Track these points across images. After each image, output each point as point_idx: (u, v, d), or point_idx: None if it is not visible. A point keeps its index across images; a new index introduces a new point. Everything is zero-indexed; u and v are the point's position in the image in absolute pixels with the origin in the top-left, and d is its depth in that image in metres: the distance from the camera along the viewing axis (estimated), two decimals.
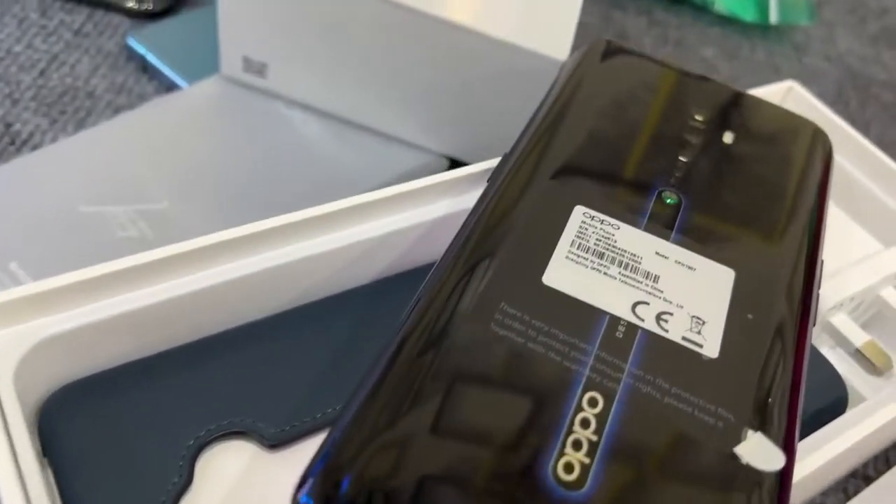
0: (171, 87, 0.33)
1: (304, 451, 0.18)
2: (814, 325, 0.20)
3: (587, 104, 0.24)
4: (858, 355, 0.24)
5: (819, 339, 0.26)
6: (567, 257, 0.19)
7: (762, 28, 0.48)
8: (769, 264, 0.21)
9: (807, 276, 0.21)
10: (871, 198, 0.28)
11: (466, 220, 0.20)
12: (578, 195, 0.21)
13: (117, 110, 0.32)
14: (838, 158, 0.29)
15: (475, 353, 0.17)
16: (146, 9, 0.37)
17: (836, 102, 0.44)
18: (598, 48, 0.26)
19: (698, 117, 0.25)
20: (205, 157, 0.29)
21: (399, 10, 0.28)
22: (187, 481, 0.17)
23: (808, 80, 0.45)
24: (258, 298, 0.20)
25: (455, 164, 0.33)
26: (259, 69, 0.32)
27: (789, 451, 0.17)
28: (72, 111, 0.32)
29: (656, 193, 0.22)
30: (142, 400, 0.18)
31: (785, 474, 0.17)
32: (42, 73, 0.33)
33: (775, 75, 0.45)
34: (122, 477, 0.17)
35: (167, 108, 0.31)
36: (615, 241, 0.20)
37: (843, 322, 0.25)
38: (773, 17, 0.46)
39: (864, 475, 0.28)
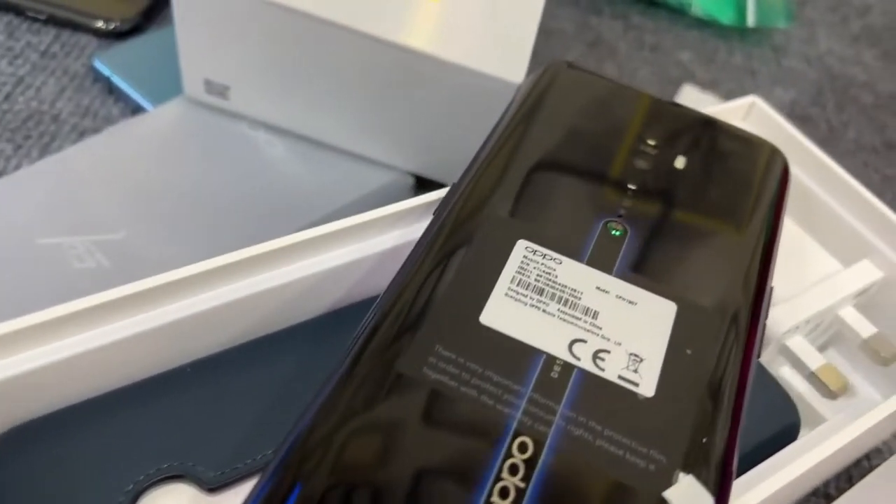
0: (136, 109, 0.33)
1: (244, 494, 0.18)
2: (759, 356, 0.20)
3: (536, 131, 0.24)
4: (814, 378, 0.24)
5: (776, 362, 0.26)
6: (507, 295, 0.19)
7: (740, 31, 0.47)
8: (713, 296, 0.20)
9: (754, 306, 0.21)
10: (832, 216, 0.28)
11: (409, 255, 0.20)
12: (522, 229, 0.21)
13: (82, 134, 0.32)
14: (800, 176, 0.28)
15: (405, 400, 0.17)
16: (114, 28, 0.37)
17: (814, 105, 0.44)
18: (553, 70, 0.26)
19: (651, 142, 0.24)
20: (167, 182, 0.29)
21: (354, 35, 0.27)
22: None
23: (787, 83, 0.45)
24: (201, 338, 0.20)
25: (421, 181, 0.33)
26: (221, 91, 0.32)
27: (724, 490, 0.17)
28: (36, 136, 0.32)
29: (602, 225, 0.22)
30: (83, 444, 0.19)
31: None
32: (7, 96, 0.33)
33: (752, 79, 0.44)
34: None
35: (129, 132, 0.31)
36: (556, 277, 0.20)
37: (800, 344, 0.25)
38: (751, 20, 0.45)
39: (825, 493, 0.28)
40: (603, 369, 0.18)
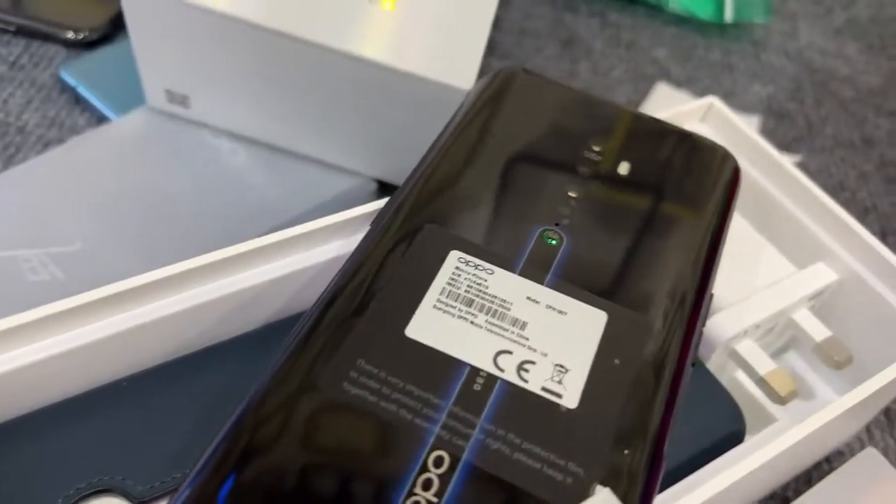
0: (102, 119, 0.34)
1: None
2: (693, 363, 0.20)
3: (477, 139, 0.24)
4: (763, 384, 0.24)
5: (728, 366, 0.25)
6: (435, 306, 0.19)
7: (719, 26, 0.47)
8: (646, 305, 0.20)
9: (691, 313, 0.21)
10: (788, 219, 0.27)
11: (341, 267, 0.21)
12: (455, 239, 0.21)
13: (47, 145, 0.33)
14: (757, 178, 0.28)
15: (324, 416, 0.17)
16: (83, 38, 0.37)
17: (792, 100, 0.43)
18: (501, 77, 0.26)
19: (596, 148, 0.24)
20: (127, 192, 0.30)
21: (306, 45, 0.28)
22: None
23: (765, 78, 0.44)
24: (132, 353, 0.21)
25: (385, 185, 0.33)
26: (181, 100, 0.32)
27: (646, 499, 0.17)
28: (1, 147, 0.32)
29: (538, 234, 0.22)
30: (14, 459, 0.19)
31: None
32: None
33: (729, 75, 0.44)
34: None
35: (91, 143, 0.31)
36: (486, 288, 0.20)
37: (750, 349, 0.25)
38: (729, 15, 0.45)
39: (783, 497, 0.28)
40: (527, 381, 0.18)
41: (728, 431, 0.23)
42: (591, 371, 0.19)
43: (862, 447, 0.29)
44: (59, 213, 0.28)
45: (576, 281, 0.21)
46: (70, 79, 0.34)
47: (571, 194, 0.23)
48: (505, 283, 0.20)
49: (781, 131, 0.41)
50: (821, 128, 0.42)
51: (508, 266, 0.21)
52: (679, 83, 0.43)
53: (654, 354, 0.19)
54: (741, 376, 0.26)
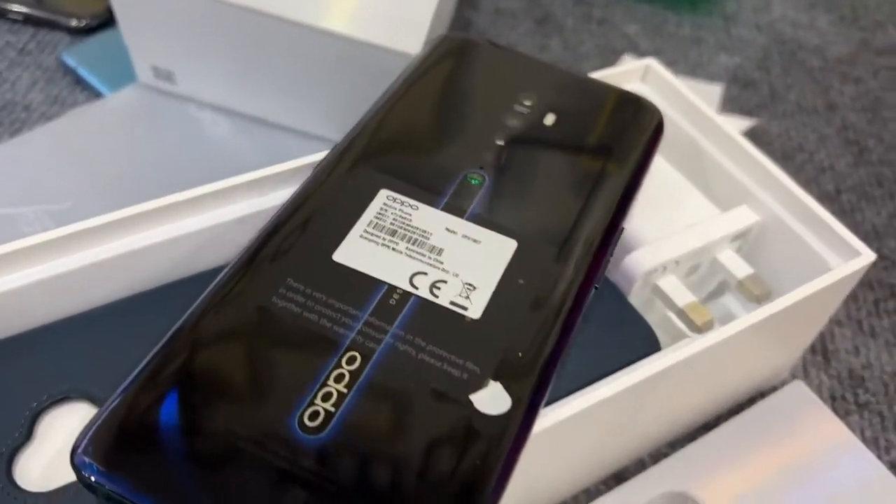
0: (99, 96, 0.37)
1: None
2: (597, 287, 0.23)
3: (415, 94, 0.26)
4: (682, 315, 0.26)
5: (657, 304, 0.27)
6: (361, 236, 0.22)
7: (691, 2, 0.49)
8: (554, 236, 0.23)
9: (600, 245, 0.23)
10: (717, 168, 0.29)
11: (283, 203, 0.23)
12: (386, 180, 0.23)
13: (49, 120, 0.36)
14: (689, 130, 0.30)
15: (253, 321, 0.20)
16: (84, 25, 0.40)
17: (759, 70, 0.45)
18: (447, 42, 0.29)
19: (526, 102, 0.27)
20: (115, 158, 0.33)
21: (270, 19, 0.30)
22: (27, 438, 0.21)
23: (733, 50, 0.46)
24: (99, 286, 0.24)
25: None
26: (168, 76, 0.35)
27: (537, 398, 0.20)
28: (8, 123, 0.36)
29: (462, 176, 0.24)
30: None
31: (523, 418, 0.19)
32: None
33: (697, 47, 0.46)
34: None
35: (85, 116, 0.34)
36: (410, 220, 0.23)
37: (671, 284, 0.27)
38: None
39: (715, 426, 0.30)
40: (437, 297, 0.21)
41: (642, 353, 0.25)
42: (496, 289, 0.21)
43: None
44: (54, 176, 0.32)
45: (493, 215, 0.23)
46: (71, 61, 0.38)
47: (498, 142, 0.25)
48: (427, 217, 0.23)
49: (745, 98, 0.43)
50: (784, 95, 0.44)
51: (432, 202, 0.23)
52: (646, 56, 0.45)
53: (556, 277, 0.22)
54: (666, 311, 0.28)
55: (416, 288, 0.21)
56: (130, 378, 0.19)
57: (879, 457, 0.29)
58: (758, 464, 0.27)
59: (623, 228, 0.24)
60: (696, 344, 0.23)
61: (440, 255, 0.22)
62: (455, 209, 0.23)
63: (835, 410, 0.30)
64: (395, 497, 0.17)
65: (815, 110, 0.43)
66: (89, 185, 0.31)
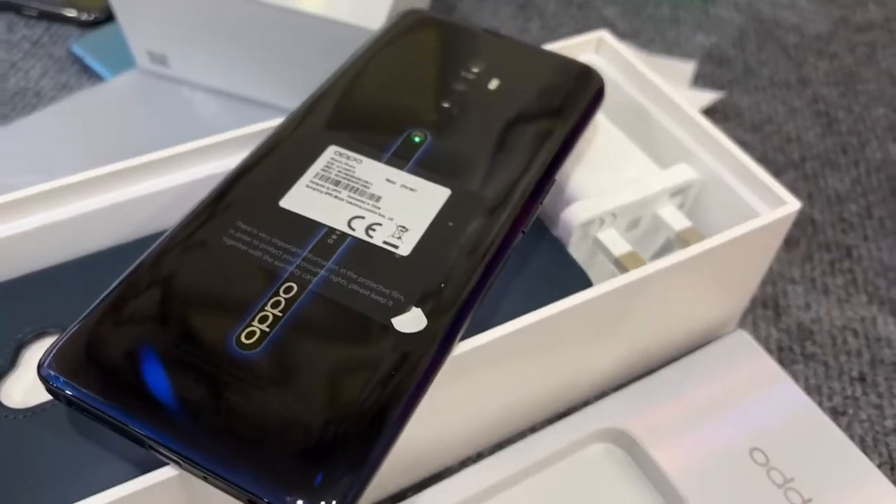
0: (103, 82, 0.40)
1: None
2: (524, 232, 0.25)
3: (371, 63, 0.29)
4: (619, 264, 0.28)
5: (598, 258, 0.29)
6: (308, 186, 0.24)
7: None
8: (485, 186, 0.25)
9: (530, 195, 0.25)
10: (661, 130, 0.31)
11: (243, 158, 0.26)
12: (336, 138, 0.26)
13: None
14: (638, 98, 0.32)
15: (202, 256, 0.22)
16: (94, 19, 0.43)
17: (734, 48, 0.46)
18: (407, 18, 0.31)
19: (474, 69, 0.29)
20: (113, 135, 0.36)
21: (249, 3, 0.33)
22: (11, 366, 0.24)
23: (710, 30, 0.48)
24: (81, 239, 0.26)
25: None
26: (162, 60, 0.38)
27: (456, 324, 0.22)
28: (20, 108, 0.39)
29: (406, 134, 0.26)
30: None
31: (439, 339, 0.21)
32: (1, 78, 0.40)
33: (674, 27, 0.47)
34: None
35: (88, 98, 0.37)
36: (354, 172, 0.25)
37: (609, 236, 0.28)
38: None
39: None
40: (372, 237, 0.23)
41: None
42: (426, 231, 0.23)
43: None
44: (56, 150, 0.35)
45: (430, 168, 0.25)
46: (79, 51, 0.41)
47: (444, 105, 0.27)
48: (370, 169, 0.25)
49: (718, 74, 0.45)
50: (758, 70, 0.45)
51: (376, 157, 0.25)
52: (624, 37, 0.46)
53: (483, 222, 0.24)
54: (608, 265, 0.29)
55: (353, 230, 0.23)
56: (90, 307, 0.21)
57: (821, 403, 0.31)
58: (693, 402, 0.28)
59: (555, 180, 0.26)
60: (621, 279, 0.25)
61: (378, 202, 0.24)
62: (397, 163, 0.25)
63: (780, 361, 0.32)
64: (314, 404, 0.19)
65: (788, 84, 0.44)
66: (89, 159, 0.34)
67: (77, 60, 0.41)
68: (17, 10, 0.44)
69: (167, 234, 0.23)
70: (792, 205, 0.27)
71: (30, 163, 0.34)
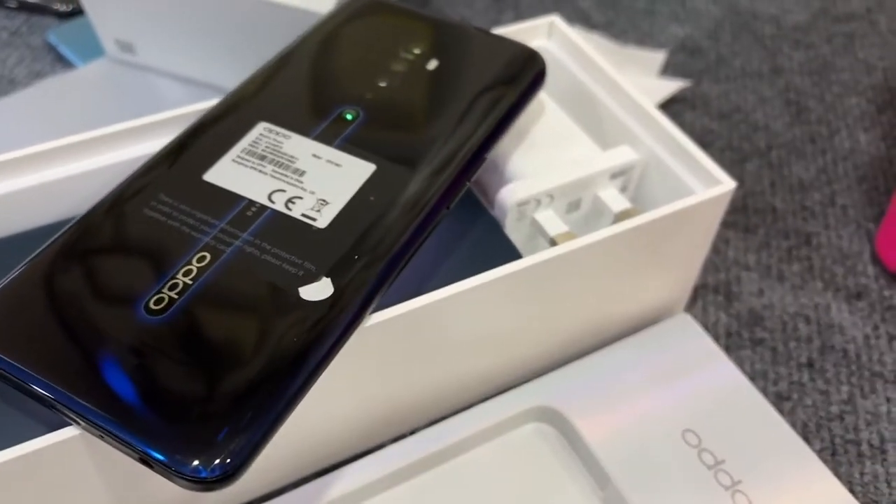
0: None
1: None
2: (448, 208, 0.25)
3: (311, 45, 0.29)
4: (553, 244, 0.28)
5: (538, 240, 0.29)
6: (234, 160, 0.25)
7: None
8: (411, 161, 0.25)
9: (457, 172, 0.25)
10: (606, 113, 0.31)
11: (179, 132, 0.26)
12: (267, 114, 0.26)
13: None
14: (586, 82, 0.32)
15: (122, 226, 0.23)
16: (71, 10, 0.44)
17: (708, 38, 0.46)
18: (355, 3, 0.31)
19: (415, 51, 0.29)
20: (79, 119, 0.37)
21: None
22: None
23: (685, 21, 0.47)
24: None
25: None
26: (128, 48, 0.38)
27: (367, 295, 0.22)
28: None
29: (338, 112, 0.27)
30: None
31: (348, 308, 0.21)
32: None
33: (649, 18, 0.47)
34: None
35: (56, 84, 0.38)
36: (280, 148, 0.25)
37: (546, 217, 0.28)
38: None
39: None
40: (291, 210, 0.23)
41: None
42: (346, 205, 0.24)
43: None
44: (24, 133, 0.35)
45: (359, 145, 0.25)
46: (54, 40, 0.42)
47: (381, 84, 0.28)
48: (297, 145, 0.25)
49: (689, 64, 0.44)
50: (730, 60, 0.45)
51: (305, 133, 0.26)
52: (597, 27, 0.46)
53: (405, 196, 0.24)
54: (544, 244, 0.29)
55: (273, 203, 0.24)
56: (8, 275, 0.22)
57: (765, 388, 0.30)
58: (628, 383, 0.28)
59: (485, 159, 0.26)
60: (548, 252, 0.25)
61: (301, 177, 0.24)
62: (326, 139, 0.26)
63: (727, 346, 0.32)
64: (213, 368, 0.20)
65: (760, 74, 0.44)
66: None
67: (52, 50, 0.42)
68: None
69: (91, 205, 0.24)
70: (727, 184, 0.27)
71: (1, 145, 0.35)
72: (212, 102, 0.29)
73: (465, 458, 0.27)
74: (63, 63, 0.42)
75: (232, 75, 0.37)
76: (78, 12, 0.44)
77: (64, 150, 0.27)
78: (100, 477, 0.22)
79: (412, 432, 0.29)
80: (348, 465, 0.26)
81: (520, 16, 0.47)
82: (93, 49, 0.41)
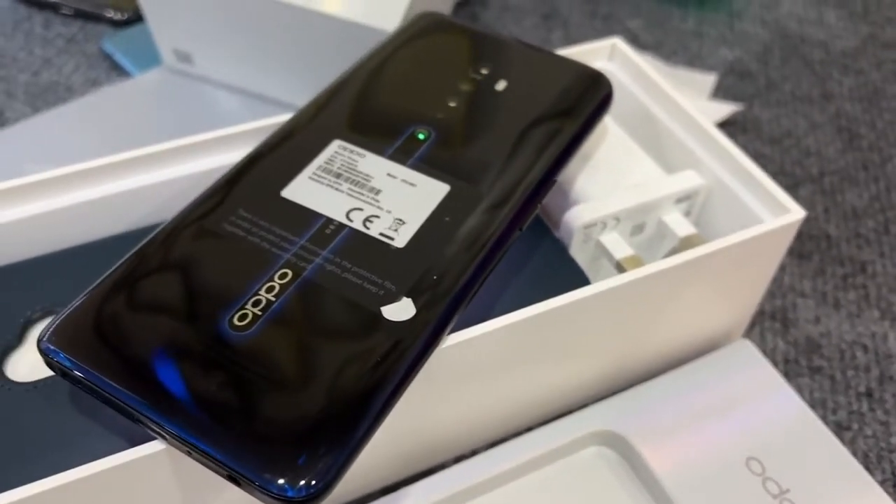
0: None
1: None
2: (521, 230, 0.25)
3: (382, 62, 0.29)
4: (620, 267, 0.28)
5: (603, 262, 0.29)
6: (310, 177, 0.25)
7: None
8: (485, 183, 0.25)
9: (530, 194, 0.25)
10: (670, 137, 0.31)
11: (253, 148, 0.26)
12: (341, 132, 0.26)
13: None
14: (648, 105, 0.32)
15: (202, 241, 0.23)
16: (126, 18, 0.45)
17: (758, 62, 0.46)
18: (422, 20, 0.32)
19: (483, 70, 0.29)
20: (136, 128, 0.37)
21: (271, 4, 0.34)
22: (18, 342, 0.24)
23: (734, 44, 0.47)
24: (91, 224, 0.27)
25: None
26: (187, 58, 0.39)
27: (445, 315, 0.22)
28: (52, 101, 0.40)
29: (411, 131, 0.27)
30: None
31: (428, 329, 0.21)
32: (35, 73, 0.42)
33: (698, 40, 0.47)
34: None
35: (114, 93, 0.39)
36: (356, 166, 0.25)
37: (611, 239, 0.29)
38: None
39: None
40: (369, 229, 0.24)
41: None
42: (423, 224, 0.24)
43: None
44: (81, 142, 0.36)
45: (433, 164, 0.26)
46: (109, 48, 0.42)
47: (450, 104, 0.28)
48: (372, 163, 0.26)
49: (739, 87, 0.44)
50: (780, 85, 0.45)
51: (379, 152, 0.26)
52: (646, 48, 0.46)
53: (480, 218, 0.24)
54: (611, 269, 0.29)
55: (351, 221, 0.24)
56: (91, 286, 0.22)
57: (825, 417, 0.30)
58: (690, 408, 0.28)
59: (555, 181, 0.26)
60: (618, 278, 0.25)
61: (378, 195, 0.25)
62: (399, 158, 0.26)
63: (786, 373, 0.32)
64: (299, 386, 0.20)
65: (810, 99, 0.44)
66: (109, 151, 0.35)
67: (107, 58, 0.43)
68: (55, 8, 0.45)
69: (170, 220, 0.24)
70: (796, 213, 0.27)
71: (55, 152, 0.35)
72: (283, 118, 0.29)
73: (526, 480, 0.27)
74: (118, 71, 0.42)
75: (289, 89, 0.38)
76: (131, 21, 0.45)
77: (135, 162, 0.27)
78: (181, 491, 0.22)
79: (473, 453, 0.29)
80: (410, 486, 0.26)
81: (568, 34, 0.47)
82: (148, 57, 0.41)
